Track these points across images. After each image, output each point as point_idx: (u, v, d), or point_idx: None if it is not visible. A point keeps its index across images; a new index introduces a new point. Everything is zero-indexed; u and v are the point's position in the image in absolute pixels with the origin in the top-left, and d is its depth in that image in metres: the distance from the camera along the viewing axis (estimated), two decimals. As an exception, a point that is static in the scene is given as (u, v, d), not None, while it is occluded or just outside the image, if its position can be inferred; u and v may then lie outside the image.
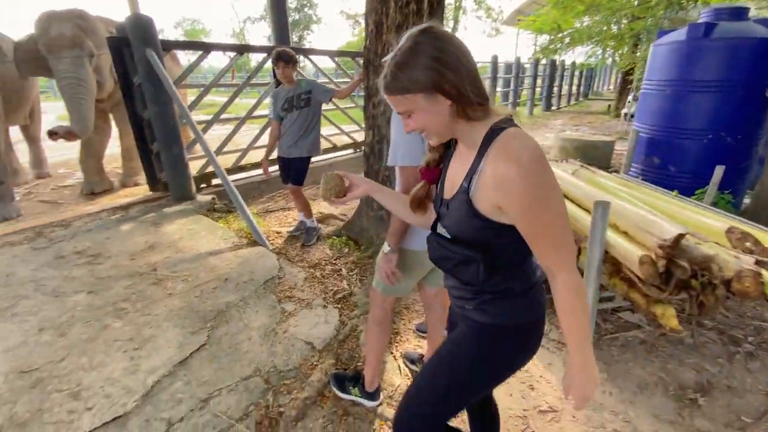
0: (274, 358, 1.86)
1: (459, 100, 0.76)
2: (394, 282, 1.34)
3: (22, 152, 5.32)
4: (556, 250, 0.78)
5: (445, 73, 0.73)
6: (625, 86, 11.70)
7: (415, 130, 0.82)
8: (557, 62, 14.02)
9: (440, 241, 0.91)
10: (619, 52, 11.02)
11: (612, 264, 1.84)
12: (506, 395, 1.72)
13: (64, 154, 6.56)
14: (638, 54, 9.92)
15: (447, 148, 0.94)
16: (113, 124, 4.78)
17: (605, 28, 10.32)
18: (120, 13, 4.63)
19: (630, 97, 9.71)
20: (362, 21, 28.60)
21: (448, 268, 0.92)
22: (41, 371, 1.75)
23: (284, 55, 2.59)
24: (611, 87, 27.70)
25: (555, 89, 14.28)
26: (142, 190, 4.51)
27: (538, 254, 0.81)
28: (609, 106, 13.24)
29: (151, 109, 3.63)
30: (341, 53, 5.93)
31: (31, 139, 5.16)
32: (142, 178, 4.77)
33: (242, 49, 4.70)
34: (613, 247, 1.79)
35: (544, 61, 13.34)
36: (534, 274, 0.92)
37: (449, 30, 0.81)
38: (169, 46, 4.09)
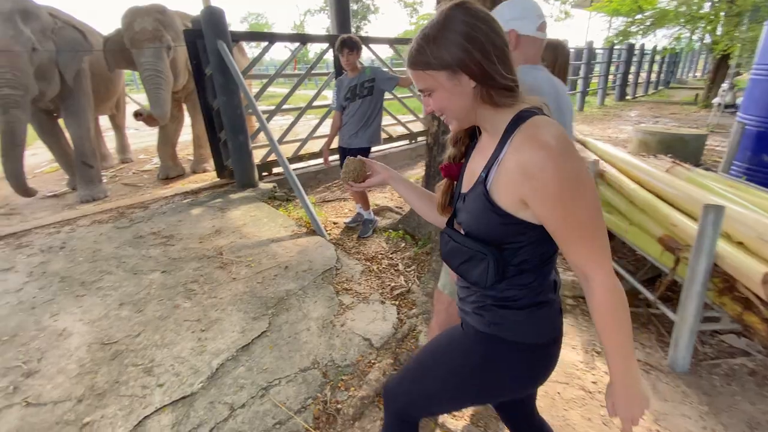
0: (332, 351, 1.83)
1: (484, 82, 0.69)
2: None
3: (109, 139, 5.87)
4: (592, 247, 0.68)
5: (473, 52, 0.67)
6: (718, 72, 10.32)
7: (434, 112, 0.76)
8: (635, 47, 12.73)
9: (453, 236, 0.83)
10: (717, 33, 9.68)
11: (722, 279, 1.57)
12: (583, 419, 1.55)
13: (144, 141, 7.15)
14: (739, 35, 8.66)
15: (472, 141, 0.86)
16: (186, 113, 5.09)
17: (696, 7, 9.13)
18: (195, 9, 4.86)
19: (725, 85, 8.52)
20: (420, 9, 28.11)
21: (457, 266, 0.83)
22: (119, 344, 1.87)
23: (349, 41, 2.53)
24: (698, 74, 24.71)
25: (631, 77, 12.99)
26: (210, 176, 4.76)
27: (570, 253, 0.70)
28: (697, 95, 11.78)
29: (220, 99, 3.78)
30: (400, 41, 5.80)
31: (117, 127, 5.66)
32: (210, 164, 5.05)
33: (305, 39, 4.74)
34: (724, 259, 1.52)
35: (618, 47, 12.17)
36: (548, 291, 0.81)
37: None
38: (237, 38, 4.22)
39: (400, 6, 27.93)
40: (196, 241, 2.91)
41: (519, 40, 1.10)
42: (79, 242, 2.96)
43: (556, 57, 1.39)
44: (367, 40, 5.11)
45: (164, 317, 2.05)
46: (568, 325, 2.09)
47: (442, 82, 0.70)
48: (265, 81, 4.57)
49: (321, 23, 35.79)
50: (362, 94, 2.64)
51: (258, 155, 4.32)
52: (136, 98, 7.07)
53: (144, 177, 4.98)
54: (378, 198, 3.92)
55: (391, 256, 2.69)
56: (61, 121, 4.16)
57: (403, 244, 2.76)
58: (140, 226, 3.22)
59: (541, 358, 0.83)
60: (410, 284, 2.31)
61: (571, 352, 1.91)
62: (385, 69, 3.34)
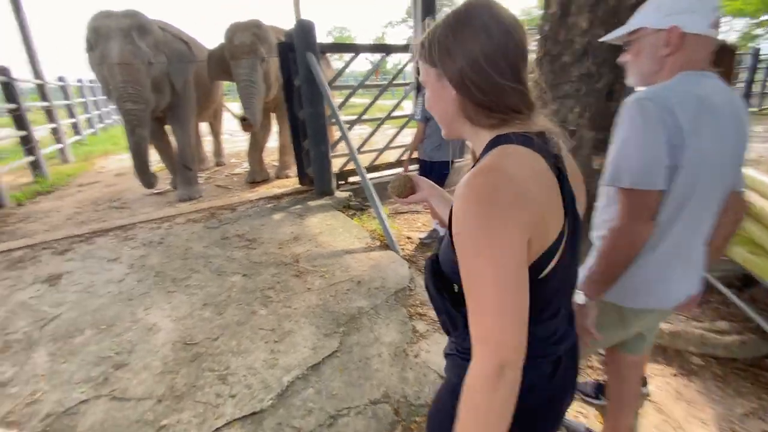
0: (404, 385, 1.67)
1: (462, 93, 0.61)
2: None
3: (207, 143, 6.46)
4: (480, 312, 0.55)
5: (454, 56, 0.59)
6: None
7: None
8: (760, 52, 10.82)
9: (431, 265, 0.71)
10: None
11: None
12: None
13: (236, 146, 7.76)
14: None
15: None
16: (274, 122, 5.39)
17: None
18: (289, 23, 5.14)
19: None
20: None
21: (431, 299, 0.73)
22: (200, 346, 1.91)
23: None
24: None
25: (757, 86, 11.06)
26: (292, 182, 4.96)
27: (468, 313, 0.58)
28: None
29: (306, 110, 3.89)
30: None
31: (215, 133, 6.20)
32: (293, 171, 5.26)
33: (389, 49, 4.74)
34: None
35: (741, 51, 10.45)
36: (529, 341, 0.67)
37: None
38: (324, 49, 4.35)
39: None
40: (276, 247, 2.98)
41: (683, 39, 0.85)
42: (174, 239, 3.21)
43: (719, 62, 1.07)
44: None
45: (241, 323, 2.08)
46: (696, 391, 1.69)
47: (431, 80, 0.65)
48: (347, 91, 4.64)
49: (401, 34, 36.48)
50: None
51: (336, 164, 4.38)
52: (231, 107, 7.72)
53: (234, 180, 5.35)
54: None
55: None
56: (167, 127, 4.63)
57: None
58: (227, 227, 3.40)
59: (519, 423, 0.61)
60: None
61: (700, 429, 1.52)
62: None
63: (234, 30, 4.29)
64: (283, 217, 3.60)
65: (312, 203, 3.93)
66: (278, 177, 5.26)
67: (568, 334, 0.71)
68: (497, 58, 0.58)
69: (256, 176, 5.08)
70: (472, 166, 0.60)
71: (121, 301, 2.33)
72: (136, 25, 3.72)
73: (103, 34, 3.59)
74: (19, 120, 5.65)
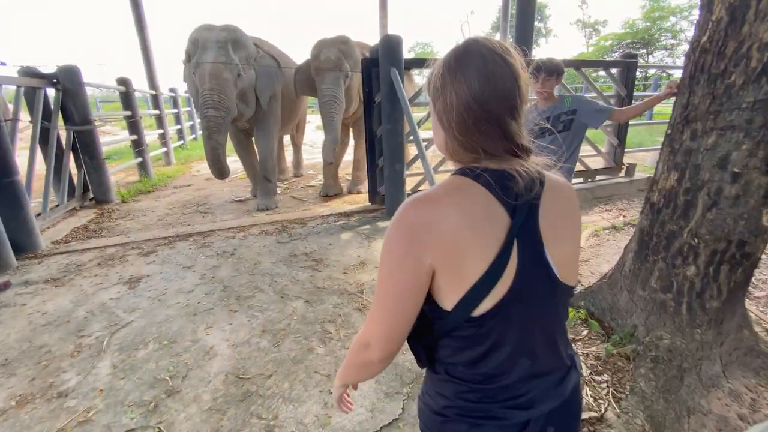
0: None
1: (444, 130, 0.64)
2: None
3: (288, 154, 6.68)
4: (373, 305, 0.64)
5: (439, 98, 0.62)
6: None
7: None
8: None
9: None
10: None
11: None
12: None
13: (314, 158, 7.96)
14: None
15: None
16: (351, 137, 5.36)
17: None
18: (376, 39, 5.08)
19: None
20: (603, 29, 24.99)
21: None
22: (251, 383, 1.75)
23: (549, 64, 2.02)
24: None
25: None
26: (363, 198, 4.84)
27: None
28: None
29: (384, 127, 3.73)
30: (588, 62, 4.93)
31: (295, 145, 6.39)
32: (365, 186, 5.16)
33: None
34: None
35: None
36: (481, 393, 0.65)
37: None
38: (409, 65, 4.18)
39: (576, 27, 25.61)
40: (341, 271, 2.80)
41: None
42: (246, 251, 3.21)
43: None
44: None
45: (298, 361, 1.89)
46: None
47: (433, 109, 0.66)
48: (427, 108, 4.41)
49: (485, 50, 35.73)
50: (556, 129, 2.09)
51: (410, 183, 4.15)
52: (312, 119, 7.94)
53: (309, 192, 5.39)
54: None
55: (565, 342, 2.02)
56: (253, 139, 4.81)
57: (585, 332, 2.04)
58: (296, 243, 3.33)
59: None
60: (602, 406, 1.60)
61: None
62: (590, 96, 2.61)
63: (320, 46, 4.32)
64: (351, 238, 3.44)
65: (381, 224, 3.73)
66: (350, 192, 5.18)
67: (541, 401, 0.65)
68: (474, 107, 0.58)
69: (330, 190, 5.05)
70: None
71: (187, 315, 2.30)
72: (231, 39, 3.90)
73: (200, 45, 3.81)
74: (134, 125, 6.37)
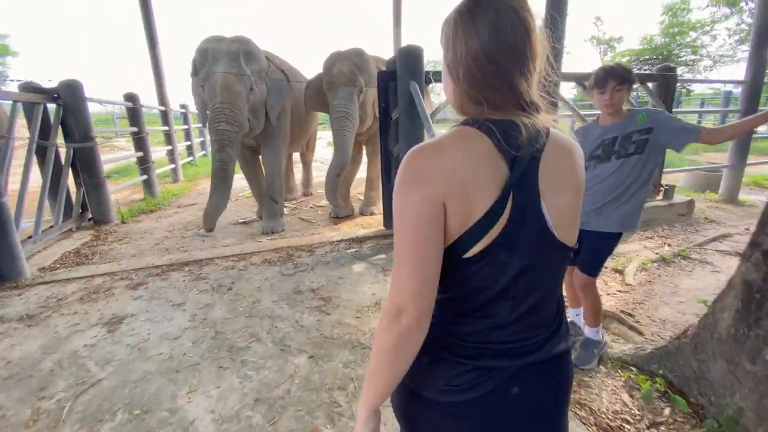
0: None
1: (453, 82, 0.64)
2: None
3: (298, 171, 6.37)
4: (396, 273, 0.61)
5: (451, 48, 0.62)
6: None
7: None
8: None
9: None
10: None
11: None
12: None
13: (324, 175, 7.67)
14: None
15: None
16: (364, 154, 5.02)
17: None
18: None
19: None
20: (618, 46, 24.56)
21: None
22: (237, 481, 1.35)
23: (620, 71, 1.62)
24: None
25: None
26: (376, 220, 4.46)
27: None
28: None
29: (402, 145, 3.37)
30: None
31: (305, 163, 6.08)
32: (379, 207, 4.78)
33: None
34: None
35: None
36: (450, 329, 0.66)
37: None
38: (429, 78, 3.85)
39: (591, 44, 25.33)
40: (353, 314, 2.40)
41: None
42: (245, 285, 2.84)
43: None
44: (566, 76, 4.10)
45: (296, 446, 1.48)
46: None
47: (444, 61, 0.66)
48: (448, 125, 4.05)
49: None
50: (626, 152, 1.66)
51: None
52: (322, 135, 7.66)
53: (318, 213, 5.04)
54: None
55: (641, 426, 1.57)
56: (261, 156, 4.50)
57: (667, 411, 1.58)
58: (302, 276, 2.95)
59: (414, 416, 0.70)
60: None
61: None
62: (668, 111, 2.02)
63: (333, 59, 4.03)
64: (364, 270, 3.04)
65: (399, 254, 3.33)
66: (362, 213, 4.82)
67: (511, 354, 0.64)
68: (482, 60, 0.59)
69: (340, 212, 4.69)
70: None
71: (168, 371, 1.91)
72: (244, 51, 3.63)
73: (210, 56, 3.54)
74: (140, 142, 6.15)
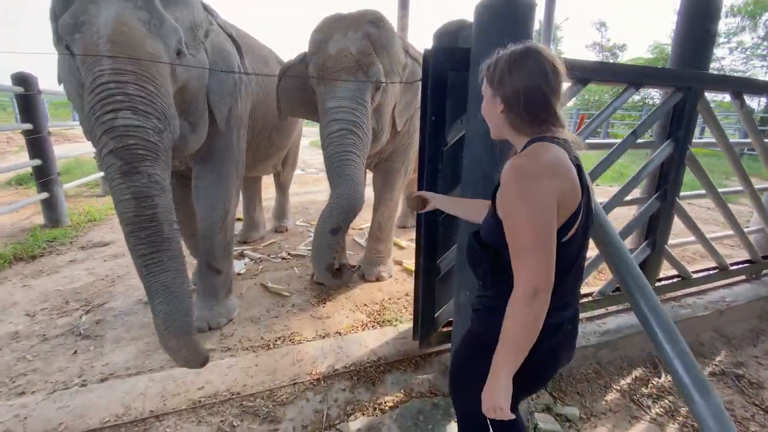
0: None
1: (508, 110, 0.91)
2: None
3: (268, 192, 4.53)
4: (522, 253, 0.82)
5: (507, 85, 0.88)
6: None
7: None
8: None
9: (471, 238, 1.02)
10: None
11: None
12: None
13: (306, 191, 5.85)
14: None
15: None
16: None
17: None
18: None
19: None
20: (622, 54, 23.48)
21: (469, 262, 1.05)
22: None
23: None
24: None
25: None
26: (388, 292, 2.74)
27: (512, 263, 0.85)
28: None
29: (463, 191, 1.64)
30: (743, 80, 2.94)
31: (280, 186, 4.21)
32: (388, 268, 3.11)
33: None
34: None
35: None
36: None
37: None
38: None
39: (592, 51, 24.27)
40: None
41: None
42: None
43: None
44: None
45: None
46: None
47: (488, 95, 0.96)
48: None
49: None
50: None
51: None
52: (305, 132, 5.89)
53: (294, 271, 3.25)
54: None
55: None
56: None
57: None
58: None
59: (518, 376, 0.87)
60: None
61: None
62: None
63: (330, 28, 2.24)
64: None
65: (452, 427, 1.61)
66: (365, 277, 3.07)
67: (568, 308, 0.97)
68: (533, 93, 0.87)
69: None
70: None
71: None
72: None
73: None
74: (36, 145, 4.19)
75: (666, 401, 2.03)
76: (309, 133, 13.91)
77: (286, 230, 4.24)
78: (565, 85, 0.93)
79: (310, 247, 3.72)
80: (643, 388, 2.11)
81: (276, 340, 2.23)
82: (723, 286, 2.91)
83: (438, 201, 1.41)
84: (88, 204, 5.17)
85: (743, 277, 3.01)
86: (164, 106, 1.61)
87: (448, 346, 2.04)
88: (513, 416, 0.85)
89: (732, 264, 2.92)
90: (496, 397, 0.83)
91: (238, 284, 2.90)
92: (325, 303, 2.71)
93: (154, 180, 1.51)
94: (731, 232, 2.83)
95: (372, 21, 2.23)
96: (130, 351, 2.15)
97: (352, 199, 2.01)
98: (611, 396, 2.03)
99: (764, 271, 3.09)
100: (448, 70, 1.63)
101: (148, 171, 1.50)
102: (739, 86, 2.42)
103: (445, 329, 2.03)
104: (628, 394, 2.06)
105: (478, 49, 1.48)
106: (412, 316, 2.14)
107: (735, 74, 16.82)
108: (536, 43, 0.90)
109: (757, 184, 2.71)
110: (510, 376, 0.83)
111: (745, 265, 2.97)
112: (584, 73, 1.80)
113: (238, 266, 3.20)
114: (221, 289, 2.43)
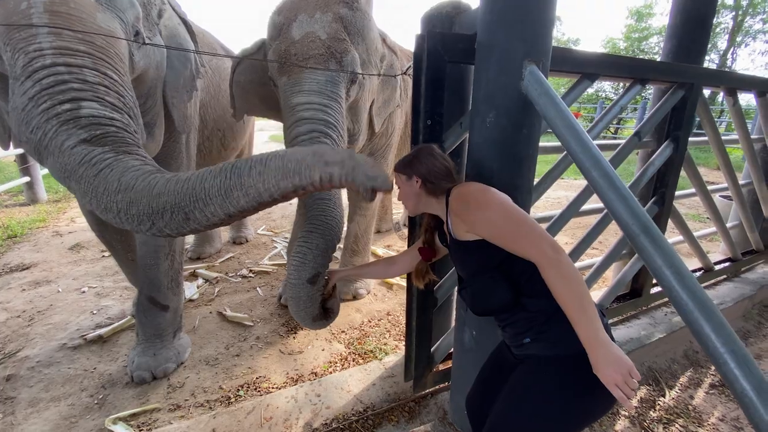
0: None
1: (424, 183, 1.10)
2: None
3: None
4: (528, 238, 0.87)
5: (419, 168, 1.11)
6: None
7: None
8: None
9: (471, 286, 1.01)
10: None
11: None
12: None
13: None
14: None
15: (435, 231, 1.27)
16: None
17: None
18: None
19: None
20: (575, 47, 24.28)
21: (483, 305, 1.00)
22: None
23: None
24: None
25: None
26: (368, 312, 2.41)
27: (519, 251, 0.90)
28: None
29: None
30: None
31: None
32: (365, 284, 2.79)
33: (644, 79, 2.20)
34: None
35: None
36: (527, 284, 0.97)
37: None
38: (561, 60, 1.85)
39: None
40: None
41: None
42: None
43: None
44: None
45: None
46: None
47: (402, 182, 1.15)
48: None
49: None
50: None
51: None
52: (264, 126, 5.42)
53: (257, 292, 2.84)
54: None
55: None
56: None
57: None
58: None
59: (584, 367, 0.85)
60: None
61: None
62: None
63: (294, 8, 1.85)
64: None
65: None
66: (345, 298, 2.73)
67: None
68: (438, 168, 1.10)
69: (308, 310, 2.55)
70: (446, 212, 1.07)
71: None
72: None
73: None
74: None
75: (676, 426, 1.87)
76: (268, 127, 13.13)
77: (246, 241, 3.78)
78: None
79: (274, 262, 3.31)
80: (651, 412, 1.95)
81: (238, 390, 1.85)
82: (707, 287, 2.85)
83: (342, 273, 1.52)
84: (7, 216, 4.42)
85: (725, 276, 2.98)
86: (132, 101, 1.17)
87: (446, 384, 1.75)
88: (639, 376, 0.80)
89: (715, 263, 2.87)
90: (617, 360, 0.76)
91: (191, 314, 2.46)
92: (295, 333, 2.34)
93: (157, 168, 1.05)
94: (714, 229, 2.79)
95: (344, 2, 1.86)
96: (50, 418, 1.69)
97: (329, 229, 1.50)
98: (620, 425, 1.84)
99: (743, 269, 3.08)
100: (447, 61, 1.30)
101: (144, 155, 1.08)
102: (733, 83, 2.31)
103: (442, 366, 1.74)
104: (638, 421, 1.88)
105: (487, 36, 1.17)
106: (396, 343, 1.82)
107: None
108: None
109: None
110: (604, 334, 0.80)
111: (727, 264, 2.94)
112: (589, 68, 1.55)
113: (190, 291, 2.74)
114: (168, 328, 1.99)
